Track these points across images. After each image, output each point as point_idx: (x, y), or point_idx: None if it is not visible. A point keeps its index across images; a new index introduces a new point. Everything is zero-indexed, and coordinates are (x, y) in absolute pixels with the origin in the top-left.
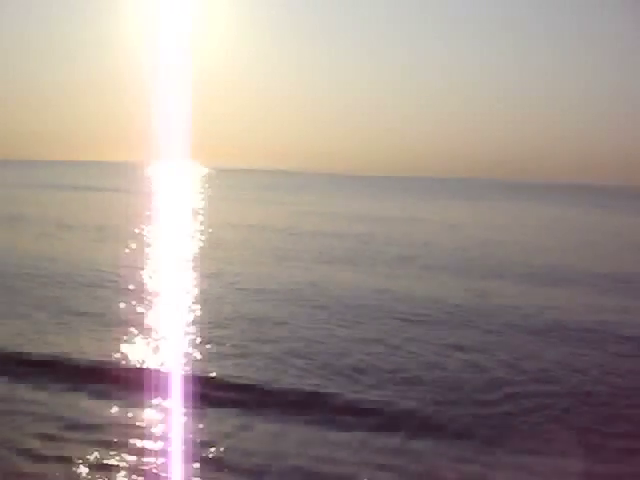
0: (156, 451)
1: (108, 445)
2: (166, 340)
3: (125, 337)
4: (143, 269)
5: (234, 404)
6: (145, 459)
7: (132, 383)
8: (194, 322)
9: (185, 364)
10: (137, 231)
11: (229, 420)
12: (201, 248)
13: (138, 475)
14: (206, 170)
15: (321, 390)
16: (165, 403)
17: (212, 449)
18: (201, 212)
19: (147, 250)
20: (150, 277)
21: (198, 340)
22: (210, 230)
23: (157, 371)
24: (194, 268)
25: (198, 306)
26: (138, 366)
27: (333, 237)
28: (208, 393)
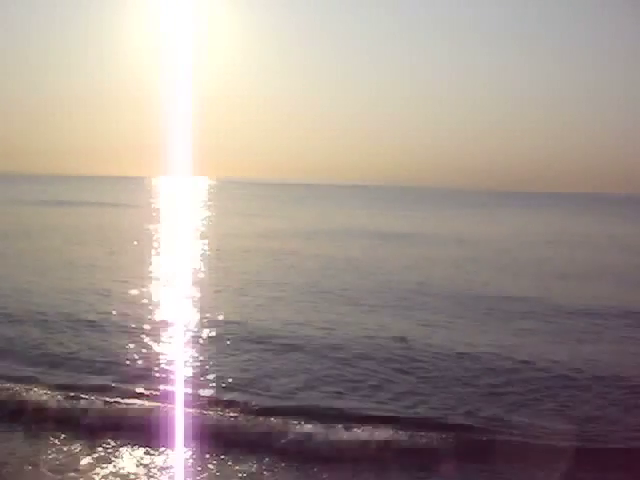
0: None
1: None
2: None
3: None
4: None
5: None
6: None
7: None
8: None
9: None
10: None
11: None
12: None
13: None
14: (210, 182)
15: None
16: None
17: None
18: (204, 226)
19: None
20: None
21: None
22: (209, 246)
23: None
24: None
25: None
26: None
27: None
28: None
